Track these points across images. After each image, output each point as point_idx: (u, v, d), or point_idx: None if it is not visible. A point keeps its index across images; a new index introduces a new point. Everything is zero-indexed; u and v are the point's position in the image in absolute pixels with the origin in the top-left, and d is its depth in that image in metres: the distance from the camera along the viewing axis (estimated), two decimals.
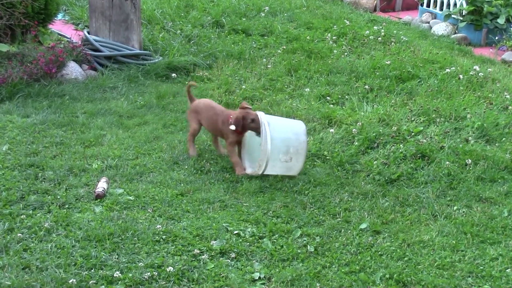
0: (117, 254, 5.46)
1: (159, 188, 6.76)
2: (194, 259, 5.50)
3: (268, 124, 6.95)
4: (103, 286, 4.98)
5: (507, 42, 12.97)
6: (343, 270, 5.50)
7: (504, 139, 8.02)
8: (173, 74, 10.62)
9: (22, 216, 5.94)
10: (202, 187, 6.84)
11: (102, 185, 6.58)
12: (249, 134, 7.45)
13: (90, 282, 5.02)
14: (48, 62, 9.56)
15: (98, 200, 6.38)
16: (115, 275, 5.11)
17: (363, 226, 6.24)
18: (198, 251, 5.60)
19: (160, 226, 5.91)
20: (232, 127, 7.13)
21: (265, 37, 12.48)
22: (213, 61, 11.17)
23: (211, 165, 7.38)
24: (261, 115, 7.12)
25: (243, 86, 9.93)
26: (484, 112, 8.57)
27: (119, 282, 5.08)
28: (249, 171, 7.23)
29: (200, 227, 6.00)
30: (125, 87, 9.94)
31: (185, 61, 10.88)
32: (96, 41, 10.63)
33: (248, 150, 7.54)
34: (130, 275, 5.15)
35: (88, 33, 10.93)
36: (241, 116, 7.10)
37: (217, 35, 12.48)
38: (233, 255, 5.61)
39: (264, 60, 11.13)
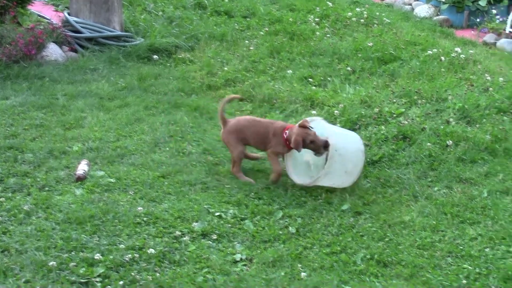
0: (98, 237, 5.43)
1: (140, 170, 6.73)
2: (175, 241, 5.48)
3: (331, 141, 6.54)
4: (84, 269, 4.95)
5: (489, 24, 13.00)
6: (324, 251, 5.51)
7: (484, 120, 8.04)
8: (155, 56, 10.56)
9: (1, 199, 5.89)
10: (184, 169, 6.81)
11: (82, 167, 6.54)
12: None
13: (71, 265, 4.98)
14: (27, 44, 9.46)
15: (79, 182, 6.34)
16: (95, 257, 5.08)
17: (344, 207, 6.25)
18: (180, 233, 5.58)
19: (141, 208, 5.89)
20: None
21: (248, 19, 12.41)
22: (195, 43, 11.10)
23: (193, 147, 7.36)
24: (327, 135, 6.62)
25: (225, 68, 9.89)
26: (465, 93, 8.58)
27: (100, 264, 5.05)
28: (296, 179, 6.76)
29: (182, 209, 5.98)
30: (106, 69, 9.87)
31: (167, 43, 10.81)
32: (76, 22, 10.55)
33: (293, 159, 6.97)
34: (111, 257, 5.12)
35: (69, 14, 10.85)
36: (300, 138, 6.47)
37: (199, 16, 12.39)
38: (214, 236, 5.60)
39: (247, 42, 11.08)
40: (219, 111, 6.96)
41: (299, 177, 6.76)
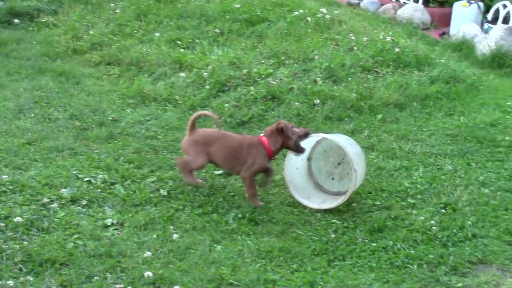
0: None
1: (4, 137, 6.49)
2: (43, 208, 5.33)
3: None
4: None
5: None
6: (196, 212, 5.52)
7: (350, 79, 8.25)
8: (16, 20, 10.15)
9: None
10: (51, 135, 6.62)
11: None
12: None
13: None
14: None
15: None
16: None
17: (218, 172, 6.26)
18: (48, 200, 5.43)
19: (6, 176, 5.68)
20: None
21: None
22: (59, 6, 10.74)
23: (60, 113, 7.16)
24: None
25: (91, 32, 9.63)
26: (331, 53, 8.76)
27: None
28: (308, 203, 5.87)
29: (49, 175, 5.82)
30: None
31: (28, 6, 10.42)
32: None
33: (293, 181, 6.04)
34: None
35: None
36: (296, 135, 5.71)
37: None
38: (84, 202, 5.49)
39: (112, 4, 10.80)
40: (191, 118, 5.92)
41: (311, 201, 5.91)
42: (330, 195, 6.13)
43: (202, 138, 5.86)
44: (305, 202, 5.82)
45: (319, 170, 6.27)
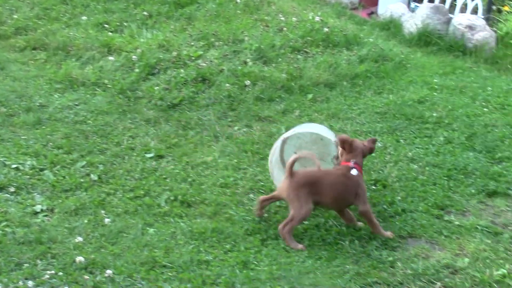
0: None
1: None
2: None
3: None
4: None
5: None
6: (127, 196, 5.47)
7: (280, 59, 8.27)
8: None
9: None
10: None
11: None
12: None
13: None
14: None
15: None
16: None
17: (149, 155, 6.21)
18: None
19: None
20: (354, 172, 5.18)
21: None
22: None
23: None
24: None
25: (15, 16, 9.37)
26: (261, 34, 8.76)
27: None
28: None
29: None
30: None
31: None
32: None
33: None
34: None
35: None
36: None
37: None
38: (12, 189, 5.39)
39: None
40: (290, 162, 5.09)
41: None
42: None
43: (305, 180, 5.10)
44: None
45: None
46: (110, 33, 8.90)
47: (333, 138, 5.58)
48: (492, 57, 9.64)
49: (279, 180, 5.46)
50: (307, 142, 5.62)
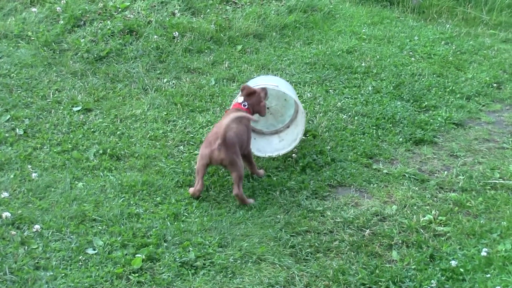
0: None
1: None
2: None
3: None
4: None
5: None
6: (55, 150, 5.37)
7: (208, 10, 8.19)
8: None
9: None
10: None
11: None
12: None
13: None
14: None
15: None
16: None
17: (76, 108, 6.09)
18: None
19: None
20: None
21: None
22: None
23: None
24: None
25: None
26: None
27: None
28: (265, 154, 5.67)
29: None
30: None
31: None
32: None
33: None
34: None
35: None
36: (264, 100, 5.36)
37: None
38: None
39: None
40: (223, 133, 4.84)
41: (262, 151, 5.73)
42: (267, 135, 5.98)
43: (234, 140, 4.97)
44: (260, 154, 5.64)
45: None
46: None
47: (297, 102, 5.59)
48: (419, 7, 9.78)
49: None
50: (271, 94, 5.79)
